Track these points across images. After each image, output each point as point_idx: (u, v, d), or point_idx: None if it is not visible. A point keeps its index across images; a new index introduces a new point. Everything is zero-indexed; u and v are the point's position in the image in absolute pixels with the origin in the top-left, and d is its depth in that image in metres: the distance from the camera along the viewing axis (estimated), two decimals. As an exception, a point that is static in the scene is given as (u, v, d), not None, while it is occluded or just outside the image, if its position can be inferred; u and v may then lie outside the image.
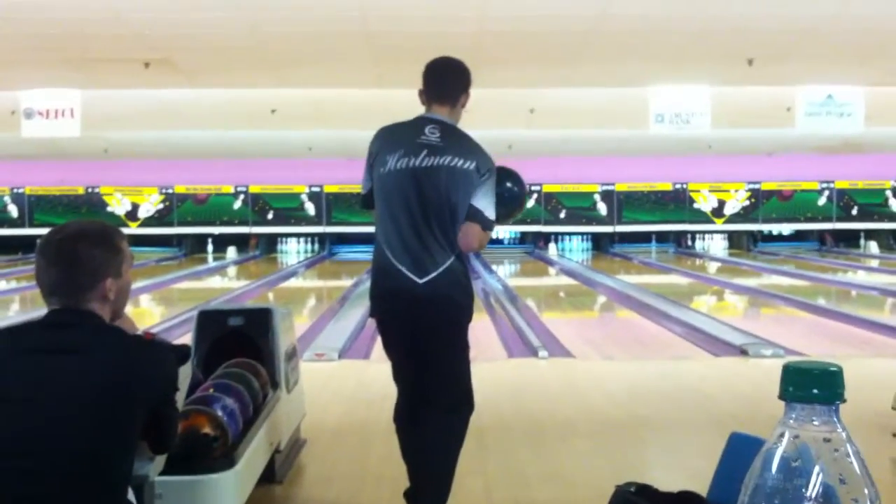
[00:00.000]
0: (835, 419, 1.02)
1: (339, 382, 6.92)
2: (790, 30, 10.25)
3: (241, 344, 4.58)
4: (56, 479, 2.14)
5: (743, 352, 8.04)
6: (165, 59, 11.47)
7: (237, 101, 15.02)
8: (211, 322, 4.65)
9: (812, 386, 1.02)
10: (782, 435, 1.02)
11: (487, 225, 3.72)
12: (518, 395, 6.46)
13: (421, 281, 3.65)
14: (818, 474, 0.99)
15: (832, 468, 0.99)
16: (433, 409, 3.74)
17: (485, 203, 3.68)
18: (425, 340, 3.72)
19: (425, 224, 3.64)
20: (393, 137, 3.77)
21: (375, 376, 7.06)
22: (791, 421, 1.02)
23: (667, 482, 2.31)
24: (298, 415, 4.97)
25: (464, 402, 3.82)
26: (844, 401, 1.02)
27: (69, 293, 2.31)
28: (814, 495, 0.99)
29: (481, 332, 9.30)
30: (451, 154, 3.65)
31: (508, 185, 3.88)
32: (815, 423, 1.01)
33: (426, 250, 3.64)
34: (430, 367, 3.74)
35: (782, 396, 1.04)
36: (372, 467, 4.80)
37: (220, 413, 3.37)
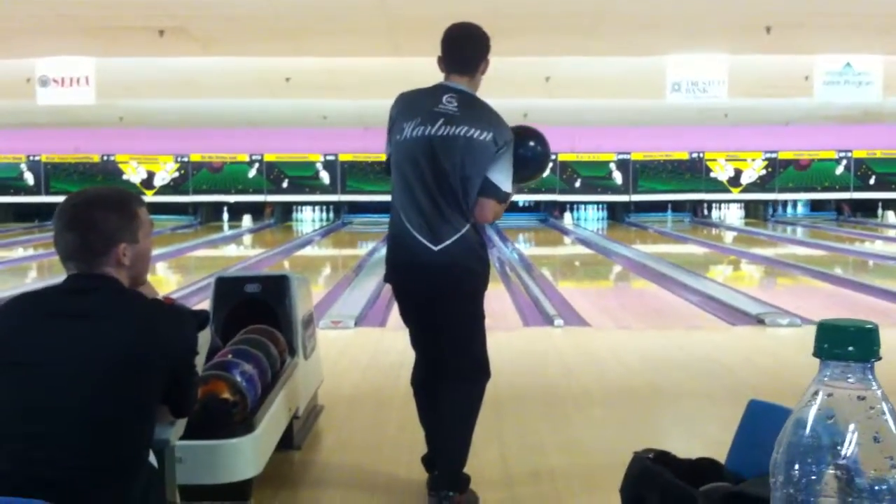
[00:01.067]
0: (870, 377, 1.01)
1: (356, 350, 6.93)
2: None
3: (259, 311, 4.59)
4: (77, 443, 2.14)
5: (759, 321, 8.01)
6: (180, 27, 11.43)
7: (252, 70, 14.97)
8: (228, 289, 4.65)
9: (847, 343, 1.01)
10: (816, 393, 1.01)
11: (503, 198, 3.72)
12: (534, 364, 6.46)
13: (436, 248, 3.65)
14: (853, 432, 0.98)
15: (867, 426, 0.98)
16: (449, 376, 3.75)
17: (501, 177, 3.67)
18: (441, 308, 3.72)
19: (440, 193, 3.63)
20: (411, 105, 3.75)
21: (392, 344, 7.07)
22: (826, 378, 1.01)
23: (684, 450, 2.32)
24: (316, 382, 4.99)
25: (479, 369, 3.82)
26: (880, 358, 1.00)
27: (84, 258, 2.31)
28: (848, 454, 0.98)
29: (497, 301, 9.30)
30: (467, 124, 3.62)
31: (531, 143, 3.86)
32: (850, 380, 1.00)
33: (441, 218, 3.64)
34: (446, 334, 3.75)
35: (817, 354, 1.03)
36: (389, 434, 4.81)
37: (238, 379, 3.38)
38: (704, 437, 4.55)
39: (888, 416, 0.99)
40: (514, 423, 4.96)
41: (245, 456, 3.30)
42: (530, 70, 14.88)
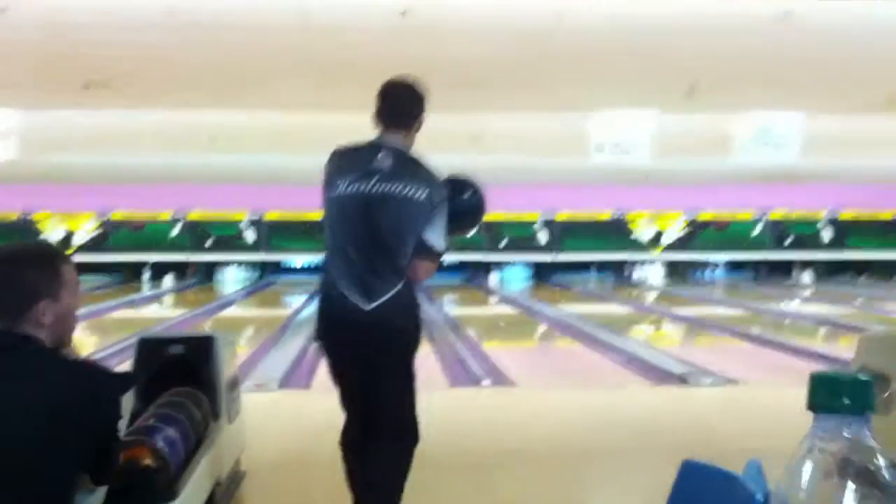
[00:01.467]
0: (866, 430, 0.99)
1: (280, 413, 6.82)
2: (732, 55, 10.40)
3: (182, 372, 4.49)
4: None
5: (682, 380, 8.09)
6: (105, 82, 11.33)
7: (177, 125, 14.88)
8: (151, 350, 4.55)
9: (842, 395, 0.99)
10: (811, 448, 0.99)
11: (437, 257, 3.72)
12: (460, 426, 6.41)
13: (368, 307, 3.61)
14: (853, 490, 0.96)
15: (865, 480, 0.96)
16: (379, 436, 3.69)
17: (436, 236, 3.67)
18: (371, 366, 3.68)
19: (374, 251, 3.60)
20: (346, 161, 3.73)
21: (317, 406, 6.95)
22: (820, 433, 0.99)
23: None
24: (239, 446, 4.89)
25: (409, 431, 3.78)
26: (875, 411, 0.99)
27: (3, 315, 2.22)
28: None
29: (423, 360, 9.26)
30: (403, 182, 3.61)
31: (468, 195, 3.86)
32: (846, 434, 0.98)
33: (374, 276, 3.61)
34: (376, 395, 3.70)
35: (810, 407, 1.01)
36: (316, 501, 4.72)
37: (161, 444, 3.29)
38: (632, 498, 4.55)
39: (885, 471, 0.97)
40: (438, 485, 4.90)
41: (167, 525, 3.21)
42: (459, 127, 15.00)
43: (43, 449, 2.10)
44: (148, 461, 3.19)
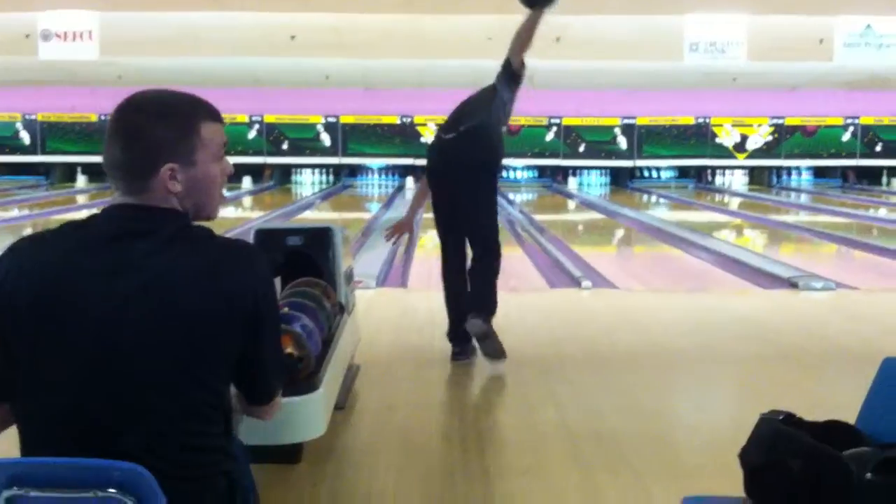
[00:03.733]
0: None
1: (382, 310, 6.69)
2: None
3: (300, 265, 4.33)
4: (142, 415, 1.78)
5: (793, 285, 7.79)
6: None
7: (256, 27, 14.66)
8: (269, 241, 4.38)
9: None
10: None
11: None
12: (572, 326, 6.22)
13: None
14: None
15: None
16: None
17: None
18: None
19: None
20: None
21: (418, 304, 6.86)
22: None
23: (752, 417, 2.09)
24: (356, 339, 4.75)
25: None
26: None
27: (126, 176, 1.87)
28: None
29: (518, 262, 9.08)
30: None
31: None
32: None
33: None
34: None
35: None
36: (434, 394, 4.59)
37: (301, 332, 3.13)
38: (765, 402, 4.32)
39: None
40: (564, 384, 4.73)
41: (311, 415, 3.07)
42: (541, 29, 14.56)
43: (191, 344, 1.79)
44: (290, 349, 3.04)
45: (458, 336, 5.11)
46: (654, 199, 19.71)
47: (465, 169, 4.97)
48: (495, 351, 4.92)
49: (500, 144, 5.16)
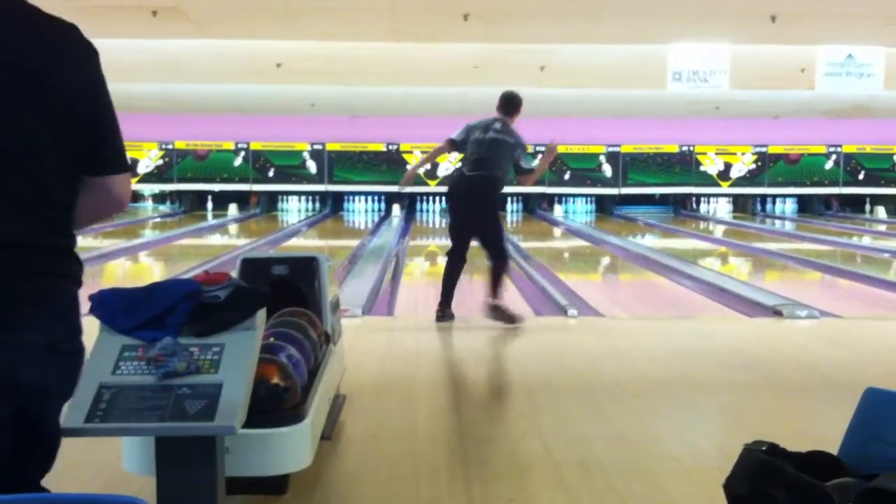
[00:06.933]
0: None
1: (369, 338, 6.69)
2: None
3: (286, 294, 4.33)
4: None
5: (777, 313, 7.82)
6: (174, 7, 11.14)
7: (242, 54, 14.68)
8: (254, 270, 4.38)
9: None
10: None
11: (528, 172, 7.42)
12: (558, 354, 6.23)
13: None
14: None
15: None
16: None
17: (524, 162, 7.38)
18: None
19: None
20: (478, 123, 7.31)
21: (404, 332, 6.86)
22: None
23: (736, 447, 2.11)
24: (342, 369, 4.75)
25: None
26: None
27: None
28: None
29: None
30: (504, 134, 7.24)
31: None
32: None
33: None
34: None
35: None
36: (421, 424, 4.59)
37: (286, 362, 3.14)
38: (750, 431, 4.34)
39: None
40: (550, 414, 4.74)
41: (297, 446, 3.06)
42: (525, 59, 14.66)
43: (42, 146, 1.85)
44: (276, 380, 3.04)
45: (445, 305, 7.14)
46: (639, 224, 19.79)
47: (480, 199, 7.12)
48: (511, 319, 7.02)
49: (504, 180, 7.33)
